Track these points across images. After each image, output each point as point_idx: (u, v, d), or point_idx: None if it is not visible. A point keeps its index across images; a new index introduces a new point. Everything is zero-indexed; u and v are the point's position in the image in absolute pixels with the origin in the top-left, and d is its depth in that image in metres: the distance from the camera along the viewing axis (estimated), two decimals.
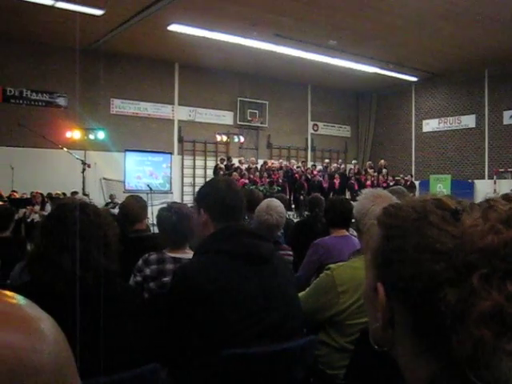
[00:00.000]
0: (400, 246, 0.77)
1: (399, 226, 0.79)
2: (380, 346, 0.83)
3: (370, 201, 2.42)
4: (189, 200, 17.27)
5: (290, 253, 4.00)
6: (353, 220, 3.06)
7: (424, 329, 0.75)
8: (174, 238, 3.02)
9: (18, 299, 0.53)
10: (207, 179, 18.41)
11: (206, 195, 2.25)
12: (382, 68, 18.19)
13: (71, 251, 1.69)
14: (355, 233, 4.28)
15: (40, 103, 16.40)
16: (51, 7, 12.65)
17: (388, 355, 0.80)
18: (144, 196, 5.44)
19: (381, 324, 0.80)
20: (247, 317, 1.93)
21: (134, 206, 4.02)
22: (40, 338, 0.49)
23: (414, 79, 20.18)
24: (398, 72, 18.95)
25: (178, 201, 17.55)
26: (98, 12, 12.98)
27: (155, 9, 12.95)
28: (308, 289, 2.59)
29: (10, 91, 15.88)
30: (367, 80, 19.99)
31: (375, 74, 18.70)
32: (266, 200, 4.06)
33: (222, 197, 2.20)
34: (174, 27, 14.30)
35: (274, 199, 4.06)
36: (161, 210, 3.18)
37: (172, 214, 3.03)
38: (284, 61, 17.26)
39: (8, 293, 0.54)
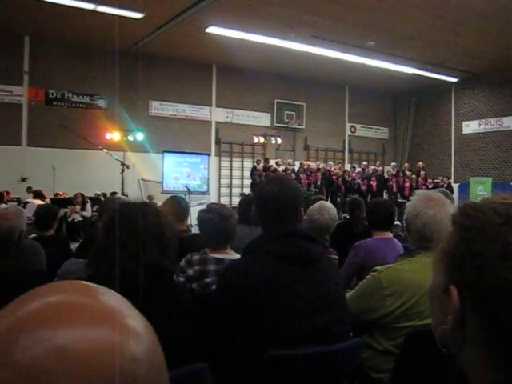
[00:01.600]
0: (479, 250, 0.73)
1: (479, 228, 0.75)
2: (447, 348, 0.81)
3: (422, 203, 2.38)
4: (226, 201, 17.36)
5: (336, 257, 3.98)
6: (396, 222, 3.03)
7: (500, 338, 0.72)
8: (216, 238, 3.02)
9: (110, 295, 0.50)
10: (244, 181, 18.49)
11: (255, 197, 2.23)
12: (420, 69, 17.95)
13: (128, 248, 1.75)
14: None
15: (81, 105, 16.73)
16: (92, 11, 12.89)
17: (434, 360, 0.78)
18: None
19: (451, 326, 0.77)
20: (295, 319, 1.92)
21: (175, 206, 4.04)
22: (138, 341, 0.46)
23: (454, 80, 19.82)
24: (438, 73, 18.66)
25: (215, 202, 17.65)
26: (138, 15, 13.17)
27: (193, 11, 13.06)
28: (354, 290, 2.56)
29: (53, 94, 16.24)
30: (405, 81, 19.75)
31: (414, 74, 18.46)
32: (320, 201, 4.15)
33: (267, 199, 2.17)
34: (211, 29, 14.40)
35: (328, 202, 4.15)
36: (201, 212, 3.18)
37: (213, 215, 3.03)
38: (321, 62, 17.18)
39: (103, 288, 0.51)
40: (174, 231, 1.96)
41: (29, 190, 13.62)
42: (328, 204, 4.01)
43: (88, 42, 15.80)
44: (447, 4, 12.32)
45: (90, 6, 12.69)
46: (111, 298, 0.49)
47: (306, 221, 3.93)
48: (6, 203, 10.46)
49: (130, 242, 1.75)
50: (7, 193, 12.18)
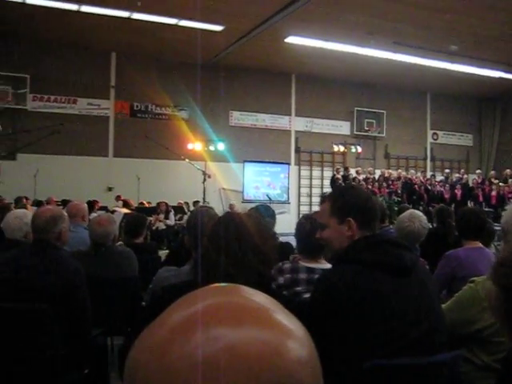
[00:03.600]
0: None
1: None
2: None
3: None
4: (305, 210, 17.31)
5: (427, 267, 3.89)
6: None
7: None
8: (308, 247, 3.01)
9: (264, 297, 0.50)
10: (324, 190, 18.39)
11: (355, 203, 2.19)
12: (507, 72, 17.24)
13: (229, 255, 1.83)
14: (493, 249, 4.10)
15: (163, 116, 17.26)
16: (175, 26, 13.30)
17: None
18: None
19: None
20: (393, 330, 1.88)
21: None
22: (301, 344, 0.46)
23: None
24: None
25: (295, 211, 17.69)
26: (218, 28, 13.46)
27: (273, 22, 13.19)
28: (449, 301, 2.49)
29: (137, 106, 16.86)
30: (491, 85, 19.03)
31: (500, 78, 17.75)
32: (409, 210, 4.16)
33: (369, 205, 2.17)
34: (291, 39, 14.49)
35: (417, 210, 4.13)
36: (300, 218, 3.24)
37: (306, 223, 3.03)
38: (402, 68, 16.88)
39: (255, 291, 0.51)
40: (274, 243, 2.05)
41: (118, 198, 14.15)
42: (418, 212, 3.95)
43: (170, 56, 16.30)
44: None
45: (172, 21, 13.10)
46: (266, 301, 0.50)
47: (396, 229, 3.87)
48: (95, 212, 10.91)
49: (231, 250, 1.84)
50: (96, 202, 12.70)
